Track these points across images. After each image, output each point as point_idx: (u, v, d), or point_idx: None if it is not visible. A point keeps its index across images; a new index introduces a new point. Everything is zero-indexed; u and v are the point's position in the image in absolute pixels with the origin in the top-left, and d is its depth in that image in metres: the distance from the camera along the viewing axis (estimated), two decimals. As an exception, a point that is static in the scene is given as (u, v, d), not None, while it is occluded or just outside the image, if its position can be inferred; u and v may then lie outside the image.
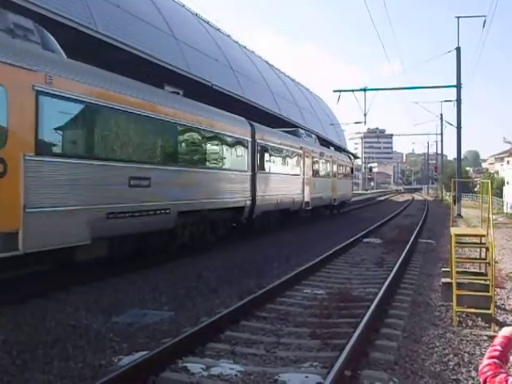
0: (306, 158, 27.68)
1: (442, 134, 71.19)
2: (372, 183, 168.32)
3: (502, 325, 8.79)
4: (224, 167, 17.75)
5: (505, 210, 47.85)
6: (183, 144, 15.30)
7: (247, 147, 19.82)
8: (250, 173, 19.95)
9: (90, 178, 10.84)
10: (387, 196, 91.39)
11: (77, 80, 10.54)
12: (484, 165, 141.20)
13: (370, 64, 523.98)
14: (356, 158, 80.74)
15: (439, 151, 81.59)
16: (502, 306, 10.16)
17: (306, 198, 27.16)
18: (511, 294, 11.30)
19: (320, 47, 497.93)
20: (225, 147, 17.93)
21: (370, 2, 62.87)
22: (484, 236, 10.85)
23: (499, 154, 63.39)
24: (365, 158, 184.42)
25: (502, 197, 53.97)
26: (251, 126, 20.67)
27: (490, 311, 8.82)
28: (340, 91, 36.84)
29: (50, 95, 9.82)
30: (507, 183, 53.91)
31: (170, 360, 6.27)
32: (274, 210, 22.92)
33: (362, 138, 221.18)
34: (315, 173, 29.77)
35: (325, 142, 41.05)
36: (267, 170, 22.01)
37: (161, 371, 5.97)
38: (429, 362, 6.78)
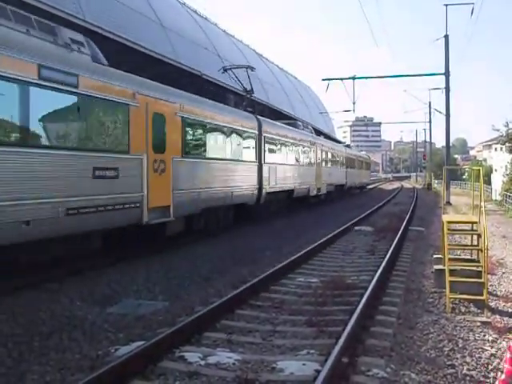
0: (357, 160, 51.79)
1: (430, 121, 71.40)
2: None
3: (494, 311, 8.90)
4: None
5: (493, 197, 48.17)
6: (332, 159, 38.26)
7: (342, 157, 42.59)
8: (344, 169, 42.90)
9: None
10: (376, 184, 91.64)
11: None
12: (472, 152, 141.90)
13: (359, 52, 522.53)
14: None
15: (427, 139, 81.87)
16: (494, 292, 10.27)
17: (354, 182, 49.60)
18: (502, 280, 11.42)
19: (308, 35, 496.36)
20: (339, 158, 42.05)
21: (357, -10, 62.90)
22: (476, 223, 10.92)
23: (487, 141, 63.69)
24: (353, 146, 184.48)
25: (490, 184, 54.34)
26: (345, 146, 48.75)
27: (482, 297, 8.91)
28: (329, 80, 36.83)
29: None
30: (495, 170, 54.26)
31: (167, 349, 6.28)
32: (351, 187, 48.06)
33: (350, 127, 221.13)
34: (359, 167, 52.86)
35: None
36: (352, 168, 47.02)
37: (159, 361, 5.98)
38: (424, 348, 6.84)
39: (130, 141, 12.13)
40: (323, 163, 33.84)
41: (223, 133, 17.72)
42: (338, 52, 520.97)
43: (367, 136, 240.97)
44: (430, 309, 8.87)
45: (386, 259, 11.88)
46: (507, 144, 38.28)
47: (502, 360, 6.58)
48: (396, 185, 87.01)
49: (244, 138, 19.67)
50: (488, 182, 54.23)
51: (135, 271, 11.49)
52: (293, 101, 46.27)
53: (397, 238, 15.46)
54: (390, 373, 5.83)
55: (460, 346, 7.05)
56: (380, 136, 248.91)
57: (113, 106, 11.72)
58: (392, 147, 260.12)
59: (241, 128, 19.23)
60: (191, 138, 15.36)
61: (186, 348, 6.50)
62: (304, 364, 5.97)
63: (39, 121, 9.88)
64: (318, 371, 5.46)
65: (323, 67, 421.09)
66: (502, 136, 39.02)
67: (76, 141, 10.69)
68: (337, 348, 5.90)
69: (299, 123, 32.04)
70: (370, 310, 8.07)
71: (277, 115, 34.80)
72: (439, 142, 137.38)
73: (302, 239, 16.55)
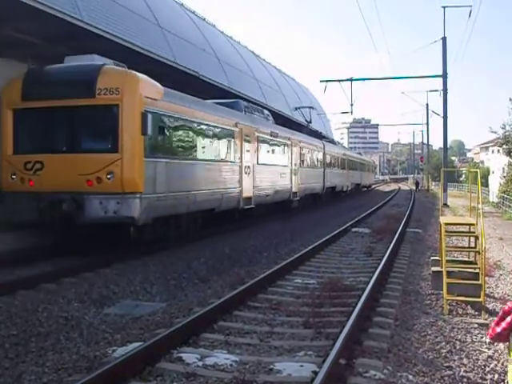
0: (366, 165, 64.19)
1: (427, 123, 71.40)
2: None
3: (491, 313, 8.90)
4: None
5: (490, 199, 48.26)
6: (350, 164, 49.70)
7: (359, 163, 55.84)
8: (360, 172, 55.58)
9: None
10: (374, 186, 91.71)
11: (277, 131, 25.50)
12: (469, 154, 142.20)
13: (357, 54, 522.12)
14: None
15: (425, 141, 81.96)
16: (491, 294, 10.28)
17: (365, 182, 62.85)
18: (500, 282, 11.45)
19: (308, 39, 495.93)
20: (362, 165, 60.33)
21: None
22: (474, 225, 10.94)
23: (484, 143, 63.88)
24: (351, 148, 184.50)
25: (487, 186, 54.46)
26: (358, 153, 71.60)
27: (480, 299, 8.91)
28: (327, 81, 36.88)
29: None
30: (492, 173, 54.41)
31: (164, 350, 6.26)
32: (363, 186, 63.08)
33: (347, 128, 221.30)
34: (366, 170, 62.85)
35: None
36: (363, 171, 59.27)
37: (156, 362, 5.97)
38: (421, 350, 6.84)
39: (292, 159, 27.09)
40: (350, 168, 47.17)
41: (313, 151, 32.60)
42: (337, 56, 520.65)
43: (365, 138, 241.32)
44: (428, 310, 8.88)
45: (383, 261, 11.88)
46: (504, 146, 38.39)
47: (499, 362, 6.60)
48: (393, 186, 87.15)
49: (318, 153, 34.20)
50: (485, 184, 54.31)
51: (132, 272, 11.47)
52: (290, 102, 46.23)
53: (394, 240, 15.47)
54: (387, 374, 5.82)
55: (457, 347, 7.06)
56: (377, 138, 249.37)
57: (286, 143, 25.70)
58: (389, 149, 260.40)
59: (318, 149, 34.17)
60: (304, 157, 29.37)
61: (183, 349, 6.48)
62: (301, 365, 5.96)
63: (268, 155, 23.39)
64: (316, 372, 5.47)
65: (322, 70, 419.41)
66: (499, 138, 39.17)
67: (283, 162, 25.37)
68: (334, 349, 5.90)
69: (336, 141, 50.58)
70: (367, 311, 8.08)
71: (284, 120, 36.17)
72: (436, 143, 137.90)
73: (300, 240, 16.58)
